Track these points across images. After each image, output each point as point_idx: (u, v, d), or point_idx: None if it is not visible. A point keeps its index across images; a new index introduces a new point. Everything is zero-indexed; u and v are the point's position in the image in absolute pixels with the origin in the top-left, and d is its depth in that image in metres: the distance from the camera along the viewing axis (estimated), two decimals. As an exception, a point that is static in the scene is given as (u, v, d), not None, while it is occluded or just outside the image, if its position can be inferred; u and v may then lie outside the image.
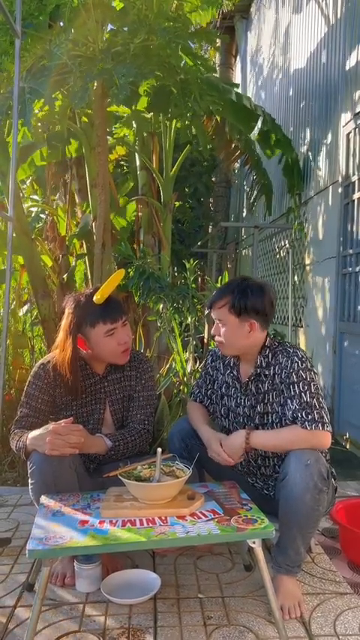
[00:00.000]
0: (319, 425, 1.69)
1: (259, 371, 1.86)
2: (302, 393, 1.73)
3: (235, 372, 1.95)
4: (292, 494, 1.65)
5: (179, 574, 1.94)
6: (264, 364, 1.85)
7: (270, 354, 1.85)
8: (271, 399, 1.84)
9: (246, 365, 1.92)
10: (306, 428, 1.69)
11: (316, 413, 1.70)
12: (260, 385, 1.86)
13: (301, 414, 1.71)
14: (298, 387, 1.75)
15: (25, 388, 2.00)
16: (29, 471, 1.81)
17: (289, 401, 1.76)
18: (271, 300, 1.83)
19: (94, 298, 1.89)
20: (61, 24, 2.96)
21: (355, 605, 1.76)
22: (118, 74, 2.74)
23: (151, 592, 1.76)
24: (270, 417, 1.84)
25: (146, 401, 2.05)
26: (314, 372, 1.79)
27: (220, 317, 1.84)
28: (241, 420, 1.91)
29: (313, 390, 1.74)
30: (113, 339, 1.92)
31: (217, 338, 1.87)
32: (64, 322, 1.96)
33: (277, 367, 1.82)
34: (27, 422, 1.94)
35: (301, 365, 1.77)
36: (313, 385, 1.75)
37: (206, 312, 1.93)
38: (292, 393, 1.75)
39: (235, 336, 1.82)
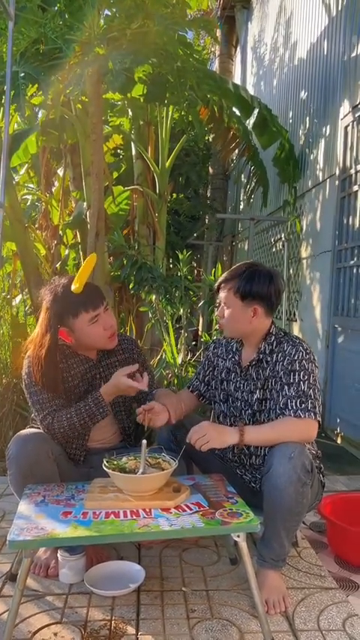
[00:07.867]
0: (312, 414, 1.70)
1: (261, 357, 1.85)
2: (301, 382, 1.74)
3: (236, 357, 1.95)
4: (276, 487, 1.63)
5: (164, 566, 1.93)
6: (267, 351, 1.85)
7: (275, 342, 1.85)
8: (270, 386, 1.83)
9: (248, 350, 1.91)
10: (300, 416, 1.69)
11: (310, 403, 1.71)
12: (261, 371, 1.85)
13: (296, 402, 1.71)
14: (299, 375, 1.75)
15: (27, 386, 1.88)
16: (7, 462, 1.78)
17: (286, 387, 1.76)
18: (278, 289, 1.83)
19: (72, 288, 1.82)
20: (56, 8, 2.89)
21: (339, 601, 1.76)
22: (114, 60, 2.69)
23: (134, 584, 1.75)
24: (268, 404, 1.84)
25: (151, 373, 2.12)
26: (316, 366, 1.79)
27: (225, 299, 1.84)
28: (239, 405, 1.91)
29: (311, 381, 1.75)
30: (98, 325, 1.88)
31: (220, 320, 1.88)
32: (42, 317, 1.89)
33: (280, 355, 1.82)
34: (56, 404, 1.85)
35: (305, 355, 1.78)
36: (312, 377, 1.76)
37: (215, 294, 1.91)
38: (292, 380, 1.75)
39: (237, 320, 1.82)
